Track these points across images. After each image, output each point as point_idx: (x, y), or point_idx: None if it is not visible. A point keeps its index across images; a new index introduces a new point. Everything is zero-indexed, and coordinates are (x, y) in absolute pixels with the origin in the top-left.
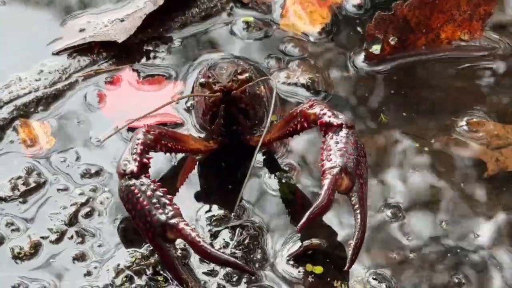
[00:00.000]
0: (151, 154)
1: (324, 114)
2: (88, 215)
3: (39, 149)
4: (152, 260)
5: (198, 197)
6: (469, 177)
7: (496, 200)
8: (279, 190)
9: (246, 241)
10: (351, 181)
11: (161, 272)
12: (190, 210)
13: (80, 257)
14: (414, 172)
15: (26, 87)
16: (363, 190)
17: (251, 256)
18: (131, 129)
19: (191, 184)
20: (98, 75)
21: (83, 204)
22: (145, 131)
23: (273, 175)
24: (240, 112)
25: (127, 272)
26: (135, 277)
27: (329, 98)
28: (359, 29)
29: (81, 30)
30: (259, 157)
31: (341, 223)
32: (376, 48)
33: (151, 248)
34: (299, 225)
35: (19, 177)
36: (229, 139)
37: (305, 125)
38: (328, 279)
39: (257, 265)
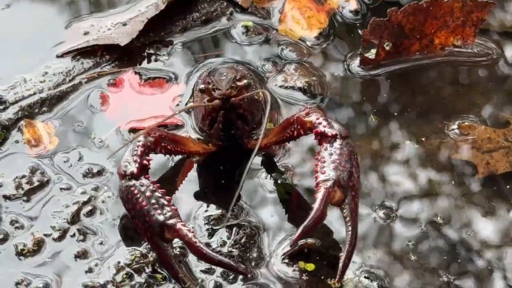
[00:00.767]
0: (151, 156)
1: (320, 123)
2: (90, 214)
3: (43, 149)
4: (151, 258)
5: (196, 197)
6: (460, 179)
7: (486, 202)
8: (276, 191)
9: (243, 240)
10: (344, 194)
11: (160, 270)
12: (188, 210)
13: (82, 255)
14: (407, 174)
15: (31, 88)
16: (355, 202)
17: (248, 254)
18: (132, 131)
19: (190, 184)
20: (101, 77)
21: (85, 203)
22: (146, 133)
23: (269, 176)
24: (238, 118)
25: (127, 269)
26: (135, 275)
27: (325, 101)
28: (355, 34)
29: (85, 33)
30: (257, 159)
31: (335, 223)
32: (371, 53)
33: (150, 246)
34: (293, 238)
35: (23, 176)
36: (228, 142)
37: (301, 132)
38: (322, 277)
39: (253, 264)
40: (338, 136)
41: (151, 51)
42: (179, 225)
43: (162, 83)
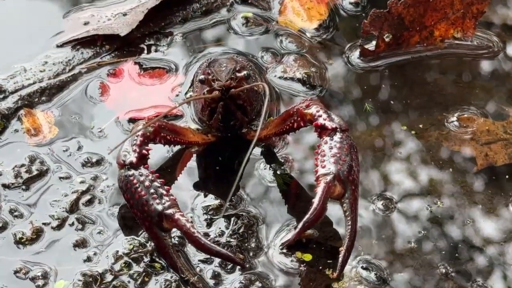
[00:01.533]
0: (150, 146)
1: (320, 116)
2: (88, 203)
3: (42, 138)
4: (149, 247)
5: (195, 187)
6: (459, 171)
7: (485, 193)
8: (275, 181)
9: (241, 230)
10: (344, 188)
11: (158, 259)
12: (186, 200)
13: (81, 243)
14: (406, 165)
15: (31, 77)
16: (355, 196)
17: (246, 244)
18: (132, 121)
19: (189, 174)
20: (101, 67)
21: (84, 192)
22: (145, 123)
23: (268, 167)
24: (238, 108)
25: (126, 258)
26: (133, 264)
27: (324, 92)
28: (355, 26)
29: (85, 23)
30: (256, 150)
31: (333, 213)
32: (371, 45)
33: (148, 236)
34: (294, 233)
35: (23, 165)
36: (227, 133)
37: (301, 124)
38: (320, 267)
39: (251, 254)
40: (338, 129)
41: (151, 42)
42: (177, 215)
43: (161, 74)
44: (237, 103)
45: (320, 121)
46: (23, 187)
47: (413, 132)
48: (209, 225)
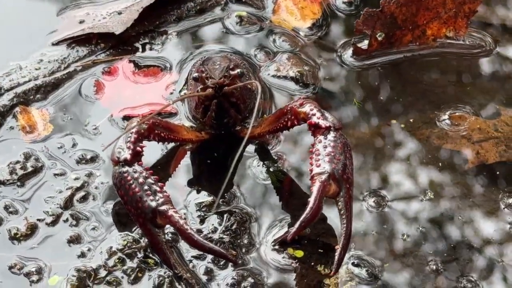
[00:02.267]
0: (145, 143)
1: (314, 114)
2: (83, 199)
3: (37, 135)
4: (143, 243)
5: (189, 184)
6: (451, 168)
7: (478, 190)
8: (268, 178)
9: (234, 226)
10: (339, 187)
11: (151, 255)
12: (180, 197)
13: (75, 239)
14: (397, 163)
15: (26, 75)
16: (349, 194)
17: (238, 241)
18: (126, 118)
19: (182, 172)
20: (96, 65)
21: (78, 189)
22: (139, 120)
23: (262, 164)
24: (231, 106)
25: (119, 254)
26: (127, 259)
27: (317, 90)
28: (348, 25)
29: (81, 22)
30: (250, 147)
31: (325, 211)
32: (364, 44)
33: (142, 232)
34: (291, 233)
35: (18, 162)
36: (221, 131)
37: (295, 122)
38: (312, 263)
39: (243, 250)
40: (331, 128)
41: (146, 40)
42: (171, 212)
43: (156, 72)
44: (231, 101)
45: (314, 119)
46: (18, 183)
47: (405, 130)
48: (202, 221)
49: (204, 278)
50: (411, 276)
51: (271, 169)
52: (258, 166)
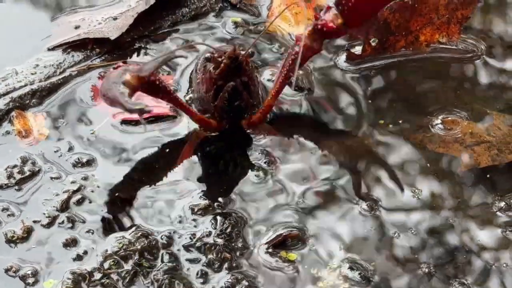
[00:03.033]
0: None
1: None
2: (79, 202)
3: (33, 139)
4: (138, 246)
5: (187, 186)
6: (444, 172)
7: (469, 193)
8: (263, 181)
9: (228, 230)
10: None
11: (147, 257)
12: (174, 200)
13: (71, 242)
14: (390, 167)
15: (22, 80)
16: None
17: (233, 244)
18: (124, 122)
19: (180, 173)
20: (91, 70)
21: (75, 192)
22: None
23: (256, 167)
24: (244, 87)
25: (115, 257)
26: (122, 262)
27: (311, 94)
28: None
29: (76, 27)
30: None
31: (320, 216)
32: (357, 49)
33: (138, 235)
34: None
35: (15, 166)
36: (230, 118)
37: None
38: (305, 266)
39: (238, 253)
40: None
41: (141, 45)
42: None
43: None
44: (243, 81)
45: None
46: (16, 187)
47: (397, 134)
48: (196, 226)
49: (198, 281)
50: (404, 279)
51: (264, 173)
52: (252, 170)
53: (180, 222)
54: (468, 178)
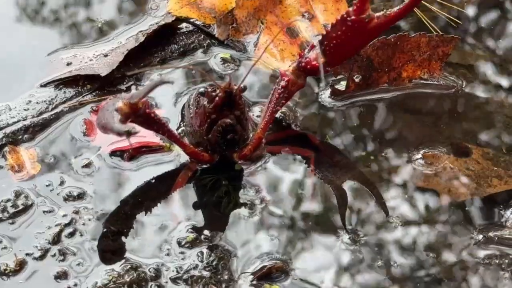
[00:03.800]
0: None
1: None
2: (70, 235)
3: (26, 174)
4: (127, 279)
5: (173, 219)
6: (423, 206)
7: (449, 227)
8: (251, 215)
9: (215, 262)
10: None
11: None
12: (163, 232)
13: (62, 275)
14: (371, 200)
15: (15, 116)
16: None
17: (219, 276)
18: (114, 153)
19: (167, 207)
20: (83, 106)
21: (66, 225)
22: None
23: (244, 200)
24: (237, 121)
25: None
26: None
27: (297, 129)
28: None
29: (68, 64)
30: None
31: (306, 248)
32: (341, 85)
33: (127, 267)
34: None
35: (8, 200)
36: (222, 151)
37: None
38: None
39: (224, 285)
40: None
41: (131, 81)
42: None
43: None
44: (236, 115)
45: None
46: (10, 221)
47: (379, 168)
48: (183, 258)
49: None
50: None
51: (253, 210)
52: (240, 205)
53: (168, 254)
54: (447, 211)
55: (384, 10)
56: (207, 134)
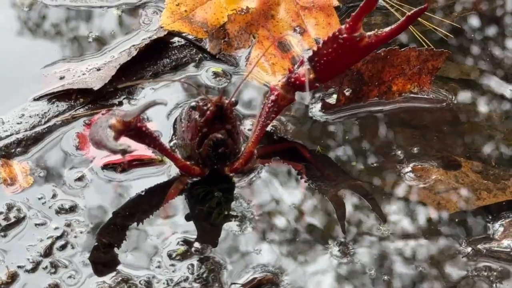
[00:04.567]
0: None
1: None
2: (62, 248)
3: (18, 187)
4: None
5: (164, 232)
6: (413, 219)
7: (436, 240)
8: (242, 229)
9: (205, 274)
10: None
11: None
12: (154, 245)
13: (54, 287)
14: (362, 213)
15: (8, 129)
16: None
17: None
18: (106, 166)
19: (158, 220)
20: (75, 120)
21: (58, 238)
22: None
23: (234, 213)
24: (228, 135)
25: None
26: None
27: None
28: None
29: (61, 78)
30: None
31: (298, 258)
32: (332, 98)
33: (118, 280)
34: None
35: (1, 213)
36: (214, 164)
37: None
38: None
39: None
40: None
41: (124, 95)
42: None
43: None
44: (227, 128)
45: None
46: (2, 233)
47: (370, 181)
48: (174, 271)
49: None
50: None
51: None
52: (232, 216)
53: (158, 267)
54: (436, 224)
55: (376, 30)
56: (198, 148)
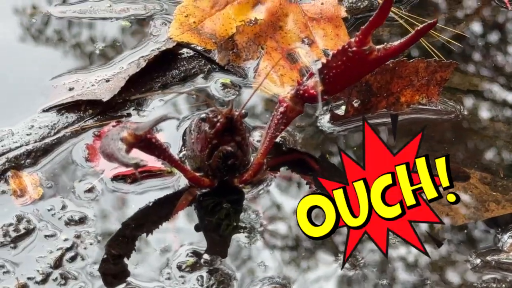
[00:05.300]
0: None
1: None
2: (72, 259)
3: (28, 198)
4: None
5: (174, 243)
6: (421, 230)
7: (444, 252)
8: (251, 241)
9: (214, 286)
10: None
11: None
12: (164, 256)
13: None
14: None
15: (18, 141)
16: None
17: None
18: (116, 178)
19: (168, 231)
20: (85, 131)
21: (68, 249)
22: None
23: (244, 225)
24: (238, 147)
25: None
26: None
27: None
28: None
29: (70, 89)
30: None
31: (307, 270)
32: (341, 110)
33: None
34: None
35: (10, 224)
36: (223, 176)
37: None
38: None
39: None
40: None
41: (133, 106)
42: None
43: None
44: (237, 140)
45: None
46: (12, 245)
47: None
48: (184, 282)
49: None
50: None
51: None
52: (242, 227)
53: (168, 278)
54: (445, 235)
55: (385, 43)
56: (208, 159)
